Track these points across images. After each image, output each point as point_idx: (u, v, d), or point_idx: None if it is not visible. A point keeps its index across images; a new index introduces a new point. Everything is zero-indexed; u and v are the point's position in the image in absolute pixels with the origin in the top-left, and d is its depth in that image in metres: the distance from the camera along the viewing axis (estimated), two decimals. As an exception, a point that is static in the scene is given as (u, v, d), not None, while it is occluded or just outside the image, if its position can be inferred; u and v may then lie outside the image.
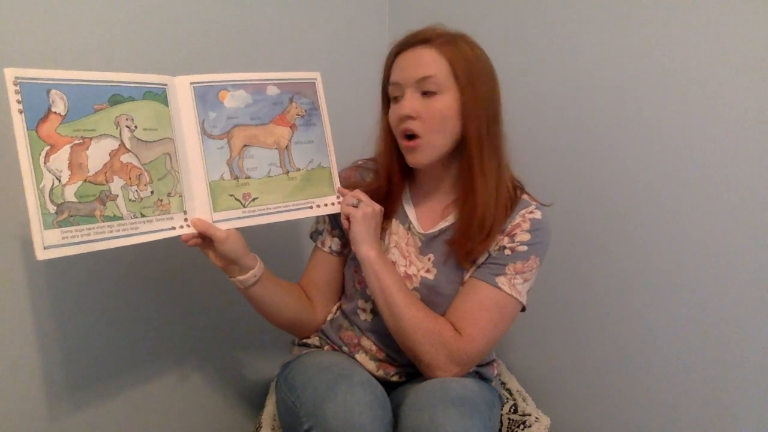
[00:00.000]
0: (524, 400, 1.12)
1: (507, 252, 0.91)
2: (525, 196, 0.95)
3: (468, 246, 0.91)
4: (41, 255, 0.69)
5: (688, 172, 1.03)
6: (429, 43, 0.89)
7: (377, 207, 0.92)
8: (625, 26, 1.09)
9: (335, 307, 1.06)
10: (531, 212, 0.92)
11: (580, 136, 1.19)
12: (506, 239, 0.91)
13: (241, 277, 0.89)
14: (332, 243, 1.03)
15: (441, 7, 1.43)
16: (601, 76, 1.14)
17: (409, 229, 0.99)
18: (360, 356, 1.00)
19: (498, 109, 0.91)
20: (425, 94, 0.88)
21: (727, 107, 0.97)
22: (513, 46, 1.28)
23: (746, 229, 0.97)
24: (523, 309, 0.94)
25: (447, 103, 0.87)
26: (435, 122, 0.88)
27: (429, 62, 0.88)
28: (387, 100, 0.96)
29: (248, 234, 0.89)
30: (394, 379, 0.99)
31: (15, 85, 0.70)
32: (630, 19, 1.08)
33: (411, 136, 0.90)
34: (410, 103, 0.88)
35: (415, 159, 0.92)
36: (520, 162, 0.97)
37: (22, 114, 0.70)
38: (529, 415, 1.05)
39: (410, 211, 1.00)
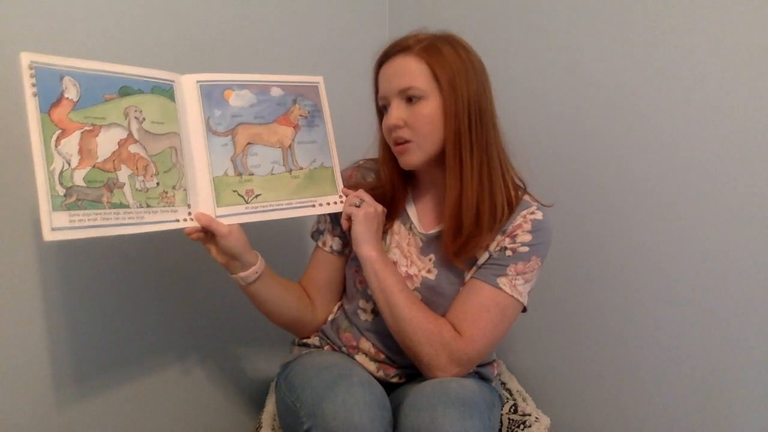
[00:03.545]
0: (524, 400, 1.12)
1: (508, 253, 0.91)
2: (526, 197, 0.96)
3: (453, 246, 0.91)
4: (48, 236, 0.69)
5: (688, 172, 1.04)
6: (408, 50, 0.89)
7: (379, 207, 0.93)
8: (626, 26, 1.10)
9: (336, 307, 1.06)
10: (532, 213, 0.92)
11: (580, 137, 1.20)
12: (507, 240, 0.91)
13: (242, 274, 0.89)
14: (333, 242, 1.03)
15: (441, 7, 1.44)
16: (601, 76, 1.15)
17: (410, 229, 0.99)
18: (360, 357, 1.00)
19: (486, 107, 0.90)
20: (410, 100, 0.89)
21: (727, 107, 0.98)
22: (512, 45, 1.29)
23: (747, 228, 0.98)
24: (524, 310, 0.94)
25: (432, 107, 0.88)
26: (422, 127, 0.89)
27: (410, 71, 0.88)
28: (380, 110, 0.97)
29: (250, 233, 0.89)
30: (394, 380, 0.99)
31: (30, 69, 0.71)
32: (630, 19, 1.09)
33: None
34: (396, 112, 0.90)
35: (406, 161, 0.92)
36: (520, 163, 0.98)
37: (36, 97, 0.71)
38: (529, 415, 1.05)
39: (411, 211, 1.00)
